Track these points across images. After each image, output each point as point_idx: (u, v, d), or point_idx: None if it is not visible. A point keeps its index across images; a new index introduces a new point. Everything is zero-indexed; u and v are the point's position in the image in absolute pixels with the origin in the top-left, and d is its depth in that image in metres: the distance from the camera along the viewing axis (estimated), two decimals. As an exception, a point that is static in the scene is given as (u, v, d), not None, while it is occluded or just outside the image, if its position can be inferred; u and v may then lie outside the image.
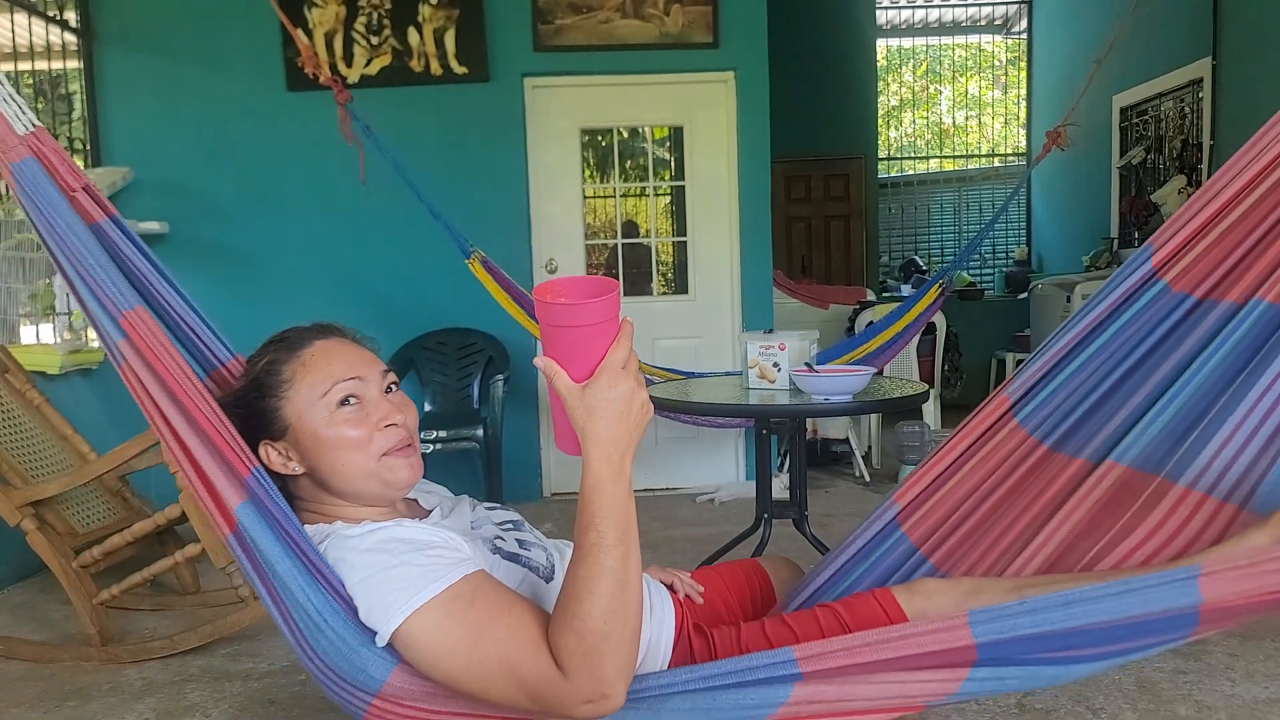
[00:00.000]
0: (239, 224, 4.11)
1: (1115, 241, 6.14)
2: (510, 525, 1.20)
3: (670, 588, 1.32)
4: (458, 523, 1.16)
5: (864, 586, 1.24)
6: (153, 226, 3.91)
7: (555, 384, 0.94)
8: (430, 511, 1.18)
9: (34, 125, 1.01)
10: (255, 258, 4.12)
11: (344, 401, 1.09)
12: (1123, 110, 6.09)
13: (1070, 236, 6.90)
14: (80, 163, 4.07)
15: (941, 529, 1.20)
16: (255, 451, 1.07)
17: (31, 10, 3.75)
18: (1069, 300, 5.52)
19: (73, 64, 4.08)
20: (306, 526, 1.06)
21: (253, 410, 1.10)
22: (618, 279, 4.39)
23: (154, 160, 4.05)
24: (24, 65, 3.89)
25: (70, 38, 3.99)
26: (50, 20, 3.86)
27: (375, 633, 0.95)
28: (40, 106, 4.01)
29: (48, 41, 3.92)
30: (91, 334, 3.76)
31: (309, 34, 3.96)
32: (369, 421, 1.09)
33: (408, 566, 0.96)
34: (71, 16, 3.98)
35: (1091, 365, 1.12)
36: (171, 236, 4.04)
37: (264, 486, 1.01)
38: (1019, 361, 6.30)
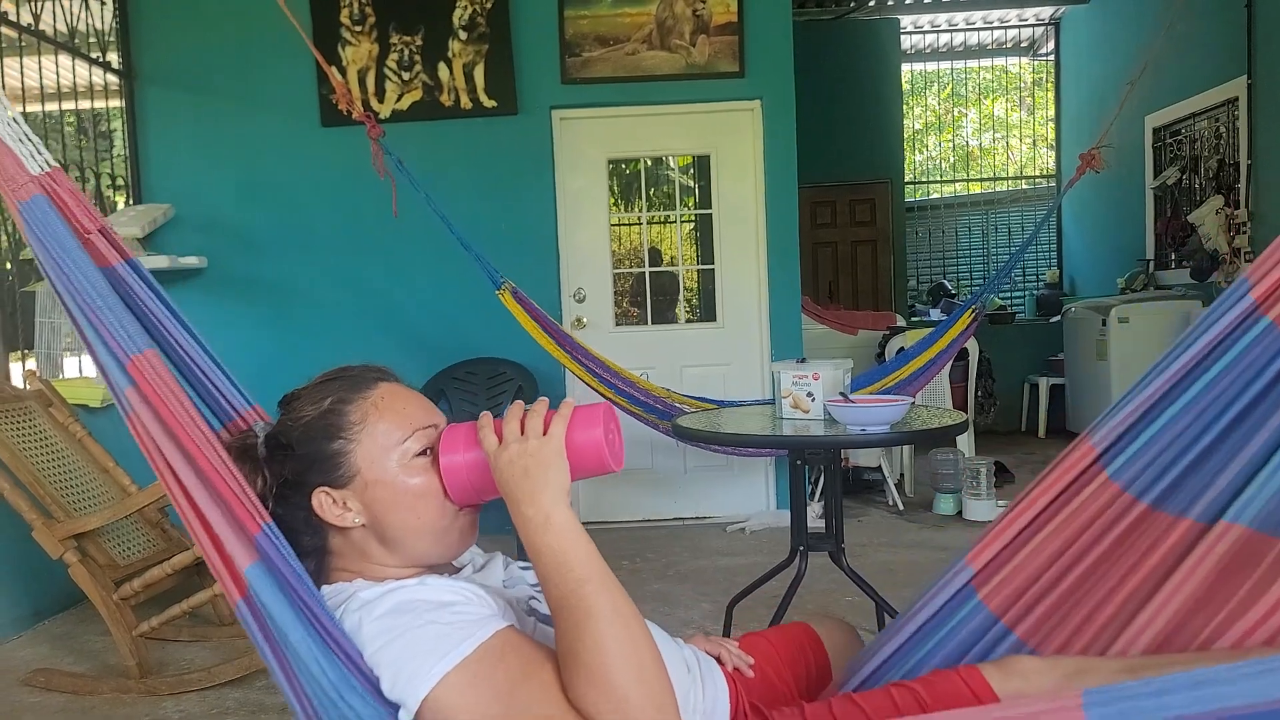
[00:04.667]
0: (274, 258, 4.18)
1: (1151, 263, 6.06)
2: None
3: (718, 660, 1.22)
4: (488, 579, 1.08)
5: (938, 661, 1.11)
6: (192, 261, 3.98)
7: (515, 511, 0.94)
8: (460, 569, 1.10)
9: (49, 165, 0.97)
10: (290, 290, 4.18)
11: (421, 451, 1.00)
12: (1155, 130, 6.03)
13: (1103, 258, 6.82)
14: (122, 200, 4.17)
15: (1026, 597, 1.06)
16: (308, 499, 0.98)
17: (75, 53, 3.86)
18: (1104, 324, 5.45)
19: (114, 103, 4.19)
20: (324, 587, 0.98)
21: (314, 453, 0.98)
22: (644, 308, 4.42)
23: (193, 196, 4.13)
24: (67, 105, 4.00)
25: (112, 78, 4.10)
26: (93, 62, 3.97)
27: (398, 707, 0.87)
28: (82, 144, 4.12)
29: (90, 81, 4.03)
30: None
31: (342, 71, 4.04)
32: None
33: (434, 625, 0.89)
34: (114, 58, 4.09)
35: (1193, 411, 0.99)
36: (210, 271, 4.11)
37: (275, 545, 0.91)
38: (1053, 386, 6.23)
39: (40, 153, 0.97)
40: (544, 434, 0.92)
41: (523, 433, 0.93)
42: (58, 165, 0.98)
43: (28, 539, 2.55)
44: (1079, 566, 1.02)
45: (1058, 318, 6.49)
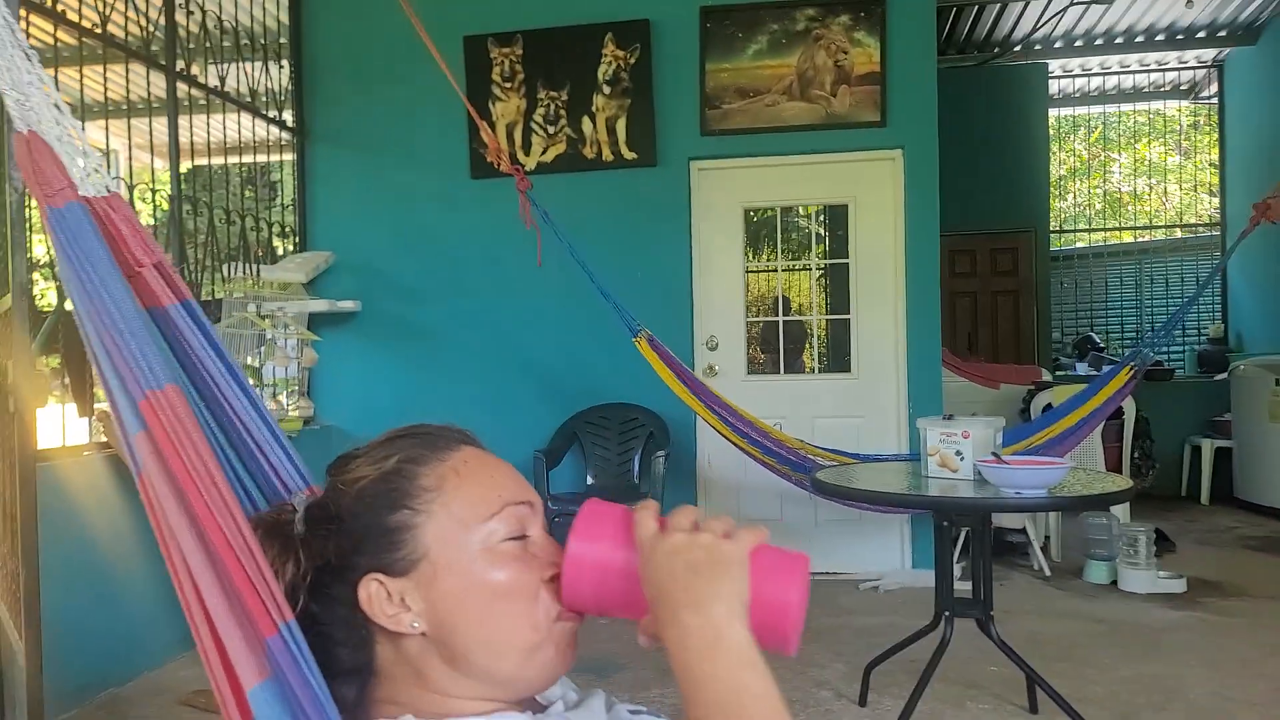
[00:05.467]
0: (422, 302, 4.39)
1: (1331, 319, 5.56)
2: None
3: None
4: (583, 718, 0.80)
5: None
6: (348, 305, 4.24)
7: (659, 630, 0.67)
8: (548, 706, 0.79)
9: (108, 190, 0.86)
10: (436, 334, 4.38)
11: (512, 536, 0.74)
12: (1335, 176, 5.56)
13: (1275, 313, 6.29)
14: (289, 247, 4.50)
15: None
16: (353, 590, 0.71)
17: (255, 112, 4.22)
18: (1278, 384, 5.02)
19: (279, 156, 4.53)
20: None
21: (368, 526, 0.72)
22: (776, 355, 4.38)
23: (352, 244, 4.42)
24: (241, 158, 4.36)
25: (284, 134, 4.45)
26: (270, 121, 4.33)
27: None
28: (245, 194, 4.46)
29: (257, 137, 4.36)
30: (289, 401, 4.10)
31: (492, 126, 4.24)
32: (534, 567, 0.73)
33: None
34: (288, 116, 4.45)
35: None
36: (363, 314, 4.37)
37: (294, 654, 0.66)
38: (1218, 450, 5.76)
39: (101, 174, 0.85)
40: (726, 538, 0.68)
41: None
42: (118, 192, 0.87)
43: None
44: None
45: (1223, 375, 6.02)
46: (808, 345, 4.54)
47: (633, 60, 4.16)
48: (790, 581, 0.67)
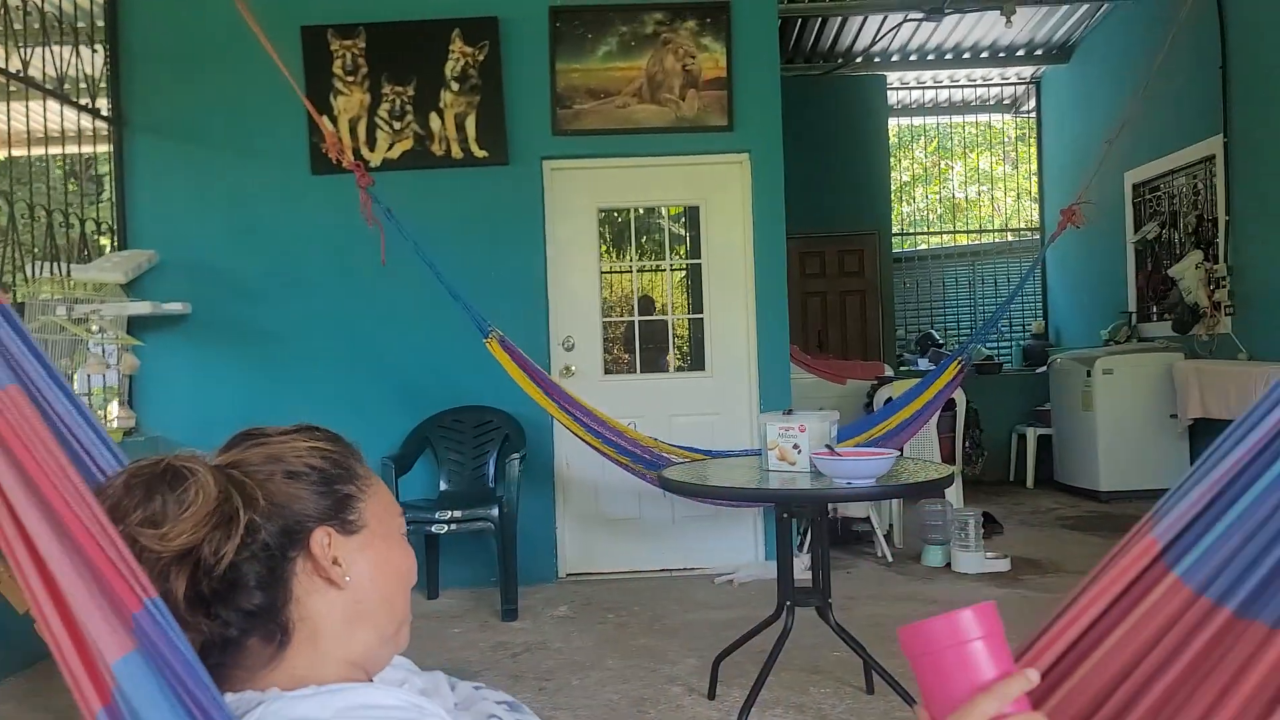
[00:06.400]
0: (262, 304, 4.16)
1: (1133, 316, 6.12)
2: (507, 706, 0.99)
3: None
4: (437, 702, 0.91)
5: None
6: (176, 307, 3.95)
7: None
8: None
9: None
10: (277, 337, 4.15)
11: (404, 535, 0.89)
12: (1135, 186, 6.14)
13: (1087, 310, 6.89)
14: (108, 244, 4.16)
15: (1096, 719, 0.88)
16: (301, 539, 0.79)
17: (64, 100, 3.88)
18: (1089, 375, 5.48)
19: (105, 148, 4.19)
20: (227, 695, 0.75)
21: (323, 492, 0.81)
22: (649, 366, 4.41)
23: (180, 242, 4.13)
24: (56, 150, 4.00)
25: (101, 124, 4.11)
26: (81, 109, 3.99)
27: None
28: (69, 189, 4.11)
29: (79, 126, 4.04)
30: (111, 411, 3.78)
31: (334, 120, 4.07)
32: None
33: None
34: (104, 104, 4.11)
35: (1275, 498, 0.83)
36: (194, 317, 4.08)
37: (161, 625, 0.68)
38: (1040, 437, 6.23)
39: None
40: None
41: None
42: None
43: (-6, 592, 2.48)
44: (1156, 686, 0.84)
45: (1044, 368, 6.52)
46: (670, 345, 4.60)
47: (481, 57, 4.08)
48: None
